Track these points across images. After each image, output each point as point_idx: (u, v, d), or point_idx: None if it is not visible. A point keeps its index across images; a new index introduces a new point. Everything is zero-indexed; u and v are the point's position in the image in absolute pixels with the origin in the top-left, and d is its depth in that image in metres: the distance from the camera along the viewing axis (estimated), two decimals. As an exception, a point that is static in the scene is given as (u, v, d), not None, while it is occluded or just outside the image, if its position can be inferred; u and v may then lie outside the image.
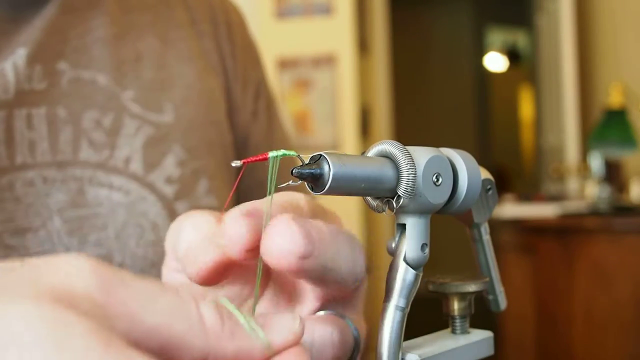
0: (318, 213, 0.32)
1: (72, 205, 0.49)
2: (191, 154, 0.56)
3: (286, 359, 0.24)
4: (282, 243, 0.26)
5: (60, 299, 0.19)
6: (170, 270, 0.35)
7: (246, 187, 0.58)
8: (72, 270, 0.21)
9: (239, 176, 0.31)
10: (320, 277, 0.28)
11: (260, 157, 0.27)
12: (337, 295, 0.32)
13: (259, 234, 0.27)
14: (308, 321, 0.30)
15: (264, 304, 0.34)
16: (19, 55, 0.50)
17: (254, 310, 0.28)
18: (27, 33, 0.51)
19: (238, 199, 0.44)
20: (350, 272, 0.29)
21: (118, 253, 0.50)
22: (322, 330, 0.30)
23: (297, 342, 0.24)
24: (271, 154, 0.27)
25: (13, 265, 0.21)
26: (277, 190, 0.29)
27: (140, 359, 0.19)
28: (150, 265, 0.52)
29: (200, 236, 0.31)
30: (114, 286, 0.21)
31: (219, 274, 0.29)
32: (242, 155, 0.63)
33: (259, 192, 0.46)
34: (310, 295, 0.32)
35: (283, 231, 0.26)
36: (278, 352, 0.24)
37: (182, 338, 0.22)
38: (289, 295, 0.34)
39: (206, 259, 0.29)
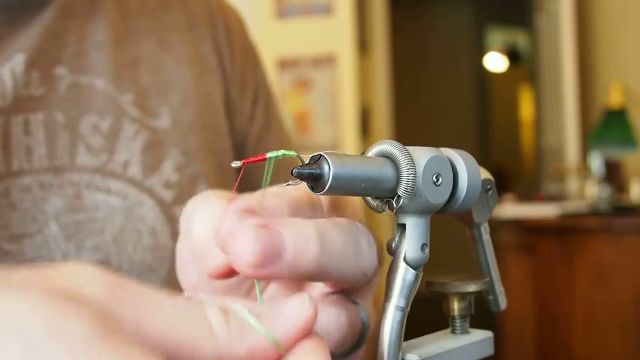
0: (337, 205, 0.32)
1: (69, 210, 0.49)
2: (189, 158, 0.56)
3: (302, 354, 0.24)
4: (237, 252, 0.26)
5: (67, 297, 0.19)
6: (184, 250, 0.34)
7: (244, 191, 0.57)
8: (81, 275, 0.21)
9: (239, 177, 0.31)
10: (308, 277, 0.28)
11: (260, 158, 0.27)
12: (346, 287, 0.32)
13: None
14: (318, 301, 0.29)
15: (274, 286, 0.34)
16: (17, 61, 0.50)
17: (259, 303, 0.28)
18: (24, 39, 0.50)
19: None
20: (352, 270, 0.29)
21: (115, 258, 0.50)
22: (329, 312, 0.29)
23: (309, 326, 0.24)
24: (270, 154, 0.27)
25: (22, 270, 0.21)
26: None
27: (138, 354, 0.19)
28: (148, 270, 0.52)
29: (210, 229, 0.30)
30: (121, 292, 0.21)
31: (228, 275, 0.30)
32: (240, 159, 0.62)
33: None
34: (319, 283, 0.32)
35: (241, 240, 0.26)
36: (292, 342, 0.24)
37: (193, 344, 0.22)
38: (297, 281, 0.33)
39: (214, 263, 0.29)
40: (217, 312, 0.23)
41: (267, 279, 0.28)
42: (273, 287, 0.34)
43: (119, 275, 0.22)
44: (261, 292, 0.30)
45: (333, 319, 0.29)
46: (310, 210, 0.30)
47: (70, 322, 0.19)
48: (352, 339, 0.31)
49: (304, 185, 0.27)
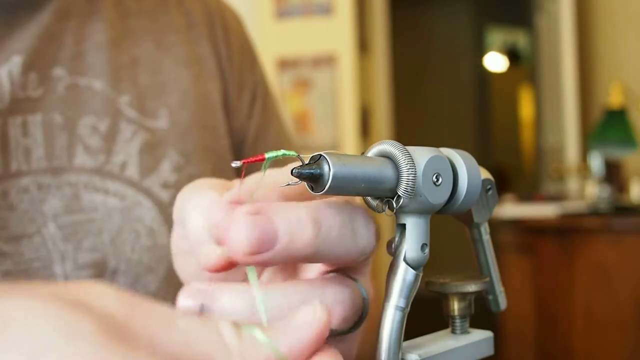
0: None
1: (67, 211, 0.49)
2: (187, 159, 0.56)
3: None
4: (232, 240, 0.26)
5: (77, 304, 0.20)
6: (178, 239, 0.35)
7: None
8: (95, 291, 0.21)
9: (242, 177, 0.31)
10: (305, 260, 0.28)
11: (259, 158, 0.27)
12: (344, 265, 0.32)
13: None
14: (318, 280, 0.30)
15: (270, 269, 0.34)
16: (14, 63, 0.50)
17: (256, 289, 0.28)
18: (22, 40, 0.51)
19: None
20: (350, 250, 0.29)
21: (113, 258, 0.50)
22: (333, 290, 0.29)
23: (322, 335, 0.24)
24: (270, 154, 0.27)
25: (38, 284, 0.22)
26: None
27: (146, 355, 0.19)
28: (146, 270, 0.52)
29: (203, 221, 0.31)
30: (134, 308, 0.21)
31: (226, 268, 0.30)
32: (238, 159, 0.63)
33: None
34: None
35: (235, 228, 0.26)
36: (306, 353, 0.24)
37: (207, 359, 0.22)
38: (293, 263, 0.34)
39: (210, 258, 0.29)
40: (229, 326, 0.23)
41: (264, 266, 0.28)
42: (269, 270, 0.34)
43: (132, 293, 0.22)
44: (258, 276, 0.30)
45: (337, 296, 0.29)
46: (302, 193, 0.30)
47: (80, 323, 0.19)
48: (355, 316, 0.31)
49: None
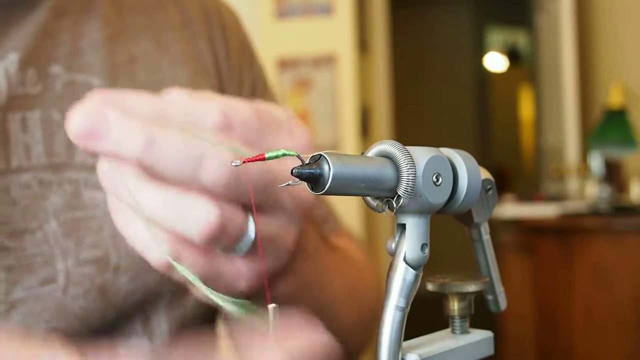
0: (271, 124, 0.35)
1: (67, 207, 0.49)
2: None
3: None
4: (70, 122, 0.31)
5: None
6: None
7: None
8: None
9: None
10: (136, 166, 0.31)
11: (259, 157, 0.27)
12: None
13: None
14: (196, 193, 0.32)
15: None
16: (11, 60, 0.50)
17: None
18: (18, 37, 0.51)
19: None
20: (188, 177, 0.31)
21: (114, 254, 0.50)
22: (203, 204, 0.32)
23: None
24: (270, 154, 0.27)
25: None
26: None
27: None
28: (147, 266, 0.52)
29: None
30: None
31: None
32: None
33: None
34: None
35: (74, 113, 0.31)
36: None
37: None
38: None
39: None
40: None
41: (93, 154, 0.31)
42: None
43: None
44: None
45: (202, 212, 0.32)
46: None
47: None
48: (228, 240, 0.33)
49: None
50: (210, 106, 0.33)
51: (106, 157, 0.32)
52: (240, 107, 0.34)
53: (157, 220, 0.32)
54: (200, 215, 0.32)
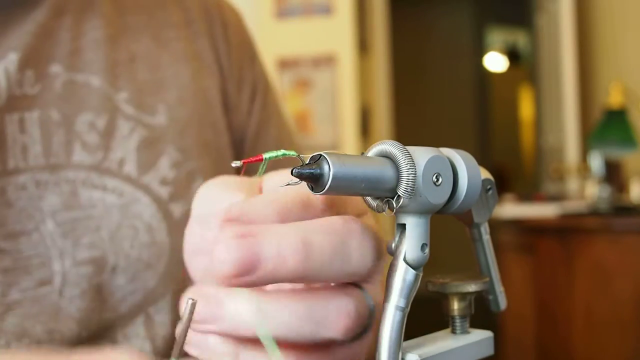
0: (335, 202, 0.32)
1: (65, 207, 0.49)
2: (186, 155, 0.55)
3: None
4: (216, 262, 0.26)
5: None
6: (194, 235, 0.34)
7: None
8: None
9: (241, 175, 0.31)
10: (293, 281, 0.28)
11: (258, 158, 0.27)
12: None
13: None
14: (323, 289, 0.30)
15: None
16: (10, 60, 0.49)
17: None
18: (17, 37, 0.50)
19: None
20: (338, 273, 0.29)
21: (112, 255, 0.50)
22: (337, 300, 0.30)
23: None
24: (268, 154, 0.27)
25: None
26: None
27: None
28: (145, 267, 0.52)
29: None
30: None
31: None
32: (240, 156, 0.62)
33: None
34: None
35: (219, 250, 0.26)
36: None
37: None
38: None
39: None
40: None
41: (248, 287, 0.28)
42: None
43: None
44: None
45: (341, 307, 0.30)
46: (303, 211, 0.30)
47: None
48: (361, 325, 0.31)
49: (302, 185, 0.27)
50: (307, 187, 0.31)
51: (257, 285, 0.28)
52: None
53: (290, 337, 0.29)
54: (340, 311, 0.29)
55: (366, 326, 0.32)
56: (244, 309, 0.28)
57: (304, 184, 0.27)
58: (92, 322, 0.49)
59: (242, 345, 0.30)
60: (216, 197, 0.32)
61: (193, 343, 0.31)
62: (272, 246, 0.27)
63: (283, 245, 0.27)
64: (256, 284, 0.27)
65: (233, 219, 0.29)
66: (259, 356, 0.30)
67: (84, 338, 0.48)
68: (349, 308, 0.30)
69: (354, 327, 0.30)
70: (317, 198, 0.31)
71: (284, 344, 0.30)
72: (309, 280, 0.28)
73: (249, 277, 0.26)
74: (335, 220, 0.29)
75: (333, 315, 0.29)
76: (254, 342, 0.30)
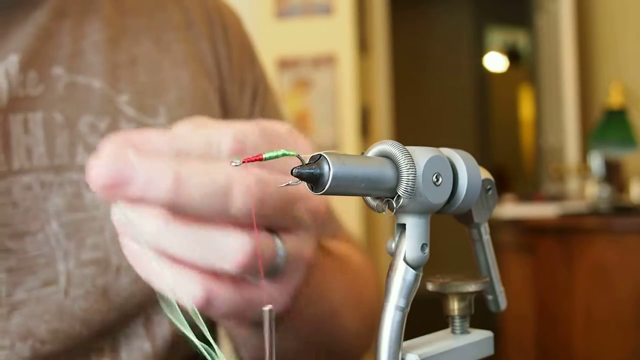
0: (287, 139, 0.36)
1: (69, 209, 0.49)
2: None
3: None
4: (92, 173, 0.29)
5: None
6: None
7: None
8: None
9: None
10: (166, 208, 0.30)
11: (258, 157, 0.27)
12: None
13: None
14: (226, 226, 0.32)
15: None
16: (11, 61, 0.50)
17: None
18: (18, 38, 0.50)
19: None
20: (214, 212, 0.31)
21: (115, 256, 0.50)
22: (236, 237, 0.32)
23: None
24: (268, 154, 0.27)
25: None
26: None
27: None
28: None
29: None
30: None
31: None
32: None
33: None
34: None
35: (97, 163, 0.29)
36: None
37: None
38: None
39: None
40: None
41: (115, 200, 0.31)
42: None
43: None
44: None
45: (237, 243, 0.32)
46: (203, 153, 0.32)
47: None
48: (266, 266, 0.34)
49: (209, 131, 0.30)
50: (222, 133, 0.33)
51: (132, 203, 0.30)
52: (248, 129, 0.34)
53: (188, 259, 0.31)
54: (234, 246, 0.31)
55: (274, 270, 0.35)
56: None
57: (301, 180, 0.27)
58: (96, 322, 0.49)
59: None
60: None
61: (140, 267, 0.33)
62: (145, 169, 0.29)
63: (156, 169, 0.29)
64: (128, 200, 0.30)
65: (129, 144, 0.31)
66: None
67: (85, 336, 0.49)
68: (245, 246, 0.32)
69: (248, 264, 0.32)
70: (223, 150, 0.33)
71: (189, 265, 0.32)
72: (182, 210, 0.30)
73: (120, 191, 0.29)
74: (225, 168, 0.31)
75: (228, 248, 0.31)
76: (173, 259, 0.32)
